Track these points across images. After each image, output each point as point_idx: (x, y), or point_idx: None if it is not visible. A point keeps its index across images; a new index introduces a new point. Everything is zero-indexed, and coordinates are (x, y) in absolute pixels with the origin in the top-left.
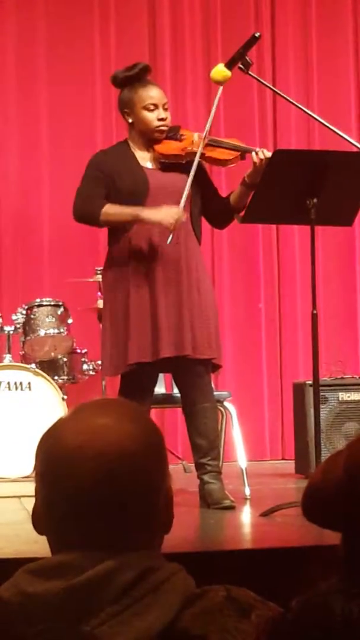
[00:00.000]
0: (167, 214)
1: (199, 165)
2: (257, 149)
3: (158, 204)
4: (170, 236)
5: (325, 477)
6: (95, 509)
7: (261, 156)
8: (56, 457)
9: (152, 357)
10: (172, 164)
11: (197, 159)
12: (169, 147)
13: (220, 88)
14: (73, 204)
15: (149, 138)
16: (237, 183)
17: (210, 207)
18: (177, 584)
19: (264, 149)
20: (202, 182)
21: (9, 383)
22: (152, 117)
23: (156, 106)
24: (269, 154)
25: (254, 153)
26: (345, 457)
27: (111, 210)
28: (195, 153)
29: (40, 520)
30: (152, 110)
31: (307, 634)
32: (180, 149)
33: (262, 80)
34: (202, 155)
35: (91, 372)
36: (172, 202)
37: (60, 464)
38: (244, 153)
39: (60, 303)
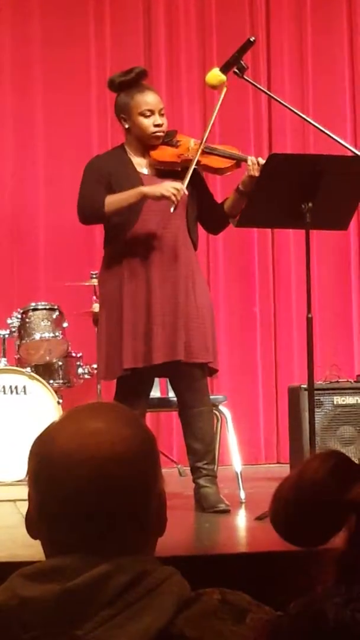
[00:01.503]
0: (169, 185)
1: (195, 171)
2: (252, 157)
3: (154, 210)
4: (173, 206)
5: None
6: (88, 513)
7: (254, 161)
8: (49, 462)
9: (144, 362)
10: (168, 171)
11: (192, 166)
12: (164, 154)
13: (218, 105)
14: (78, 208)
15: (145, 144)
16: (232, 189)
17: (206, 213)
18: (172, 587)
19: (259, 158)
20: (199, 188)
21: (4, 387)
22: (148, 123)
23: (152, 112)
24: (262, 161)
25: (249, 161)
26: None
27: (113, 198)
28: (190, 160)
29: (34, 524)
30: (148, 116)
31: (303, 638)
32: (175, 156)
33: (257, 85)
34: (198, 163)
35: (86, 376)
36: (169, 209)
37: (52, 468)
38: (239, 162)
39: (56, 307)
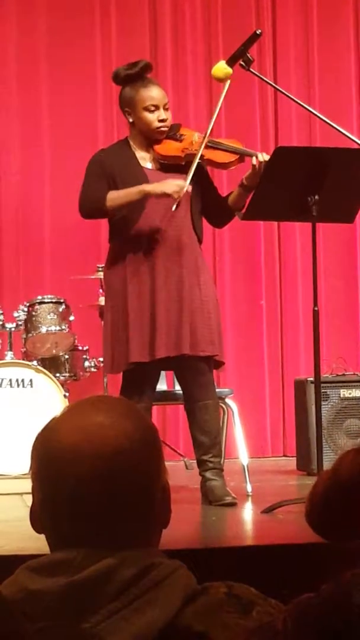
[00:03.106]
0: (171, 184)
1: (199, 165)
2: (257, 153)
3: (158, 204)
4: (175, 204)
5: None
6: (93, 507)
7: (260, 159)
8: (52, 457)
9: (149, 357)
10: (172, 165)
11: (195, 161)
12: (168, 148)
13: (220, 101)
14: (79, 202)
15: (149, 138)
16: (237, 183)
17: (210, 206)
18: (178, 580)
19: (263, 153)
20: (203, 182)
21: (10, 380)
22: (152, 118)
23: (157, 107)
24: (267, 158)
25: (253, 159)
26: None
27: (115, 194)
28: (194, 155)
29: (38, 518)
30: (152, 111)
31: (329, 621)
32: (179, 150)
33: (263, 77)
34: (202, 157)
35: (93, 369)
36: (172, 203)
37: (56, 464)
38: (243, 156)
39: (62, 300)
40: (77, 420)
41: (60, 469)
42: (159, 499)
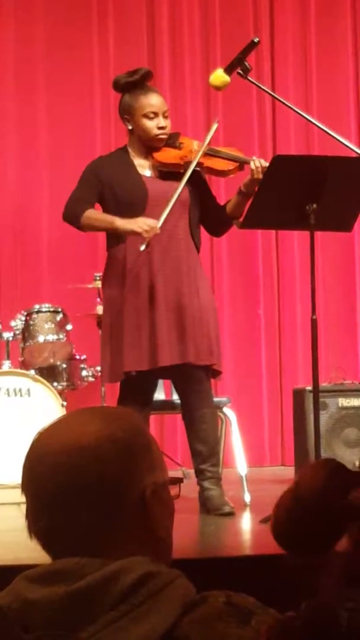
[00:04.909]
0: (141, 223)
1: (197, 174)
2: (255, 160)
3: (157, 212)
4: (144, 245)
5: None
6: (53, 507)
7: (257, 164)
8: (32, 464)
9: (149, 365)
10: (171, 173)
11: (191, 169)
12: (168, 156)
13: (215, 124)
14: (65, 205)
15: (148, 145)
16: (235, 191)
17: (208, 215)
18: (177, 590)
19: (261, 159)
20: (201, 191)
21: (8, 389)
22: (151, 125)
23: (156, 114)
24: (266, 164)
25: (251, 162)
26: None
27: (92, 215)
28: (192, 162)
29: (30, 526)
30: (152, 119)
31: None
32: (179, 158)
33: (261, 86)
34: (201, 165)
35: (90, 379)
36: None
37: (32, 466)
38: (242, 164)
39: (60, 309)
40: (54, 426)
41: (28, 472)
42: (133, 500)
